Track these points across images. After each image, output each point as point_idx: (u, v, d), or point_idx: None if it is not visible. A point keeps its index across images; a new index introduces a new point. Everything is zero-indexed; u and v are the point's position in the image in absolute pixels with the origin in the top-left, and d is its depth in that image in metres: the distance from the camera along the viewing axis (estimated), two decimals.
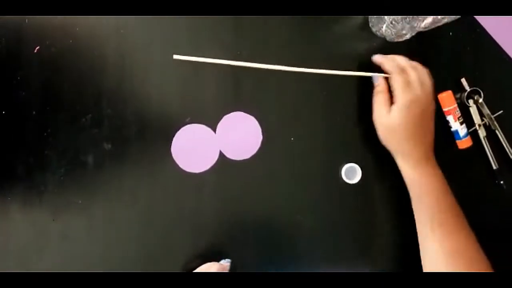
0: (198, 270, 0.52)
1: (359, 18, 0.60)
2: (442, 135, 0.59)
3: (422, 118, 0.53)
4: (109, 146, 0.56)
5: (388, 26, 0.56)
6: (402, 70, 0.54)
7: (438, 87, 0.59)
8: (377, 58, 0.56)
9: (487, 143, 0.60)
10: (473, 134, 0.60)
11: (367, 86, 0.59)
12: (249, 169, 0.57)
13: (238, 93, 0.57)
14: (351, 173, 0.58)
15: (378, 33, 0.59)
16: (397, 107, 0.53)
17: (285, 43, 0.58)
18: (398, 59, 0.55)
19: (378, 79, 0.56)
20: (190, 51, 0.57)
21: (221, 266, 0.52)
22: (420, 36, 0.57)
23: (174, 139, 0.56)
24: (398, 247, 0.59)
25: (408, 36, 0.57)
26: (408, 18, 0.53)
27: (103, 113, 0.56)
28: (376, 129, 0.55)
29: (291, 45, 0.58)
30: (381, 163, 0.59)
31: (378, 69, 0.57)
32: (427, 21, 0.53)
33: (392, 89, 0.54)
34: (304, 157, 0.58)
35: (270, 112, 0.58)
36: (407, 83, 0.52)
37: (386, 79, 0.56)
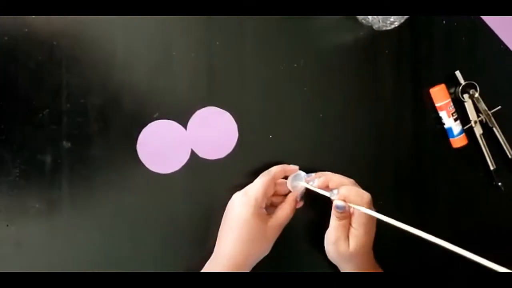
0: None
1: None
2: (434, 133, 0.56)
3: None
4: (69, 144, 0.52)
5: None
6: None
7: (431, 80, 0.56)
8: (340, 203, 0.45)
9: (484, 142, 0.57)
10: (469, 132, 0.56)
11: (354, 82, 0.56)
12: (223, 170, 0.54)
13: (212, 86, 0.53)
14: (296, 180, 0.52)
15: (364, 21, 0.54)
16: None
17: (266, 35, 0.54)
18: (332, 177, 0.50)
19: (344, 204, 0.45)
20: (157, 40, 0.52)
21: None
22: (411, 24, 0.54)
23: (141, 136, 0.52)
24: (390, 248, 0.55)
25: (397, 24, 0.52)
26: None
27: (62, 108, 0.52)
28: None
29: (272, 37, 0.54)
30: (369, 163, 0.55)
31: None
32: None
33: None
34: (284, 157, 0.54)
35: (247, 107, 0.54)
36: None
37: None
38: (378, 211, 0.49)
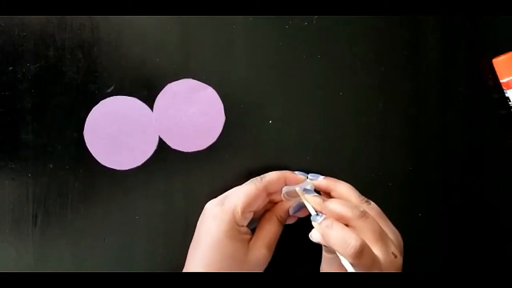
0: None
1: None
2: (498, 121, 0.45)
3: None
4: None
5: None
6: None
7: (494, 48, 0.45)
8: (317, 235, 0.35)
9: None
10: None
11: (387, 50, 0.44)
12: (203, 166, 0.43)
13: (189, 51, 0.42)
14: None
15: None
16: None
17: None
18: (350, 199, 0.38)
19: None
20: None
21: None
22: None
23: (89, 118, 0.42)
24: None
25: None
26: None
27: None
28: None
29: None
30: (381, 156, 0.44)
31: None
32: None
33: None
34: (289, 152, 0.44)
35: (238, 80, 0.43)
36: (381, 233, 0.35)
37: None
38: (416, 225, 0.44)
